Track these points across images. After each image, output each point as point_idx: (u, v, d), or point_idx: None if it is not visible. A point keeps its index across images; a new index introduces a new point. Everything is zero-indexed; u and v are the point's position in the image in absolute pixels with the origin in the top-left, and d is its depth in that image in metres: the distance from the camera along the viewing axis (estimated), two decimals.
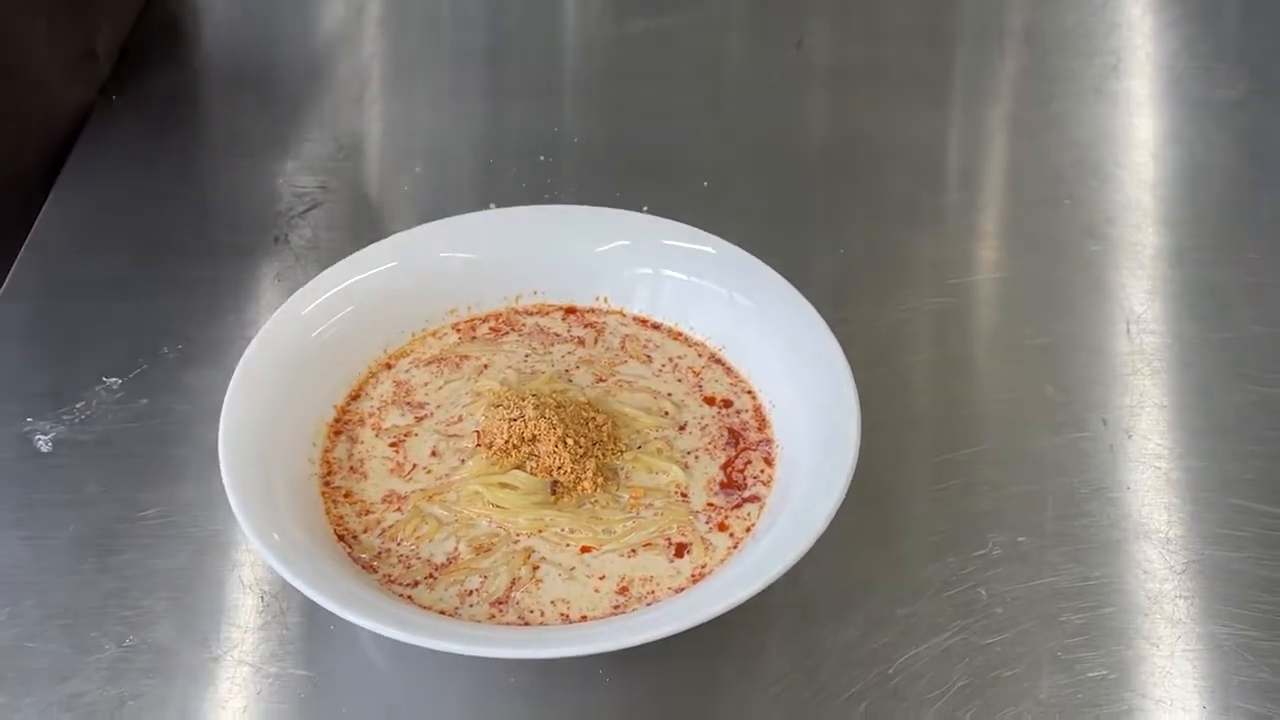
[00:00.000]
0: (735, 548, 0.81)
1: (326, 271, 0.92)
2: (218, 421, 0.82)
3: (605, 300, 0.94)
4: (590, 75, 1.28)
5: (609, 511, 0.83)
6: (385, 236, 0.94)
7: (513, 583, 0.80)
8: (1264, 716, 0.79)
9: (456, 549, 0.81)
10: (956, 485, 0.89)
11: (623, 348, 0.93)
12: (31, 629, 0.82)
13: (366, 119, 1.20)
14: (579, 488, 0.83)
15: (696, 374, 0.91)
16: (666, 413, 0.88)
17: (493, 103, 1.22)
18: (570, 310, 0.95)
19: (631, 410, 0.88)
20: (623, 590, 0.80)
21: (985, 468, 0.90)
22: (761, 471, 0.85)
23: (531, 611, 0.79)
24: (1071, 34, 1.27)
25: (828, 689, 0.80)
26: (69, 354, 0.97)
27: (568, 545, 0.81)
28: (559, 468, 0.83)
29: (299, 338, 0.88)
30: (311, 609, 0.81)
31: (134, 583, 0.84)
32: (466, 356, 0.92)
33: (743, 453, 0.86)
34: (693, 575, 0.80)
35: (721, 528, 0.83)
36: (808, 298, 0.89)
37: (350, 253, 0.93)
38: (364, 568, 0.81)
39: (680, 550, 0.82)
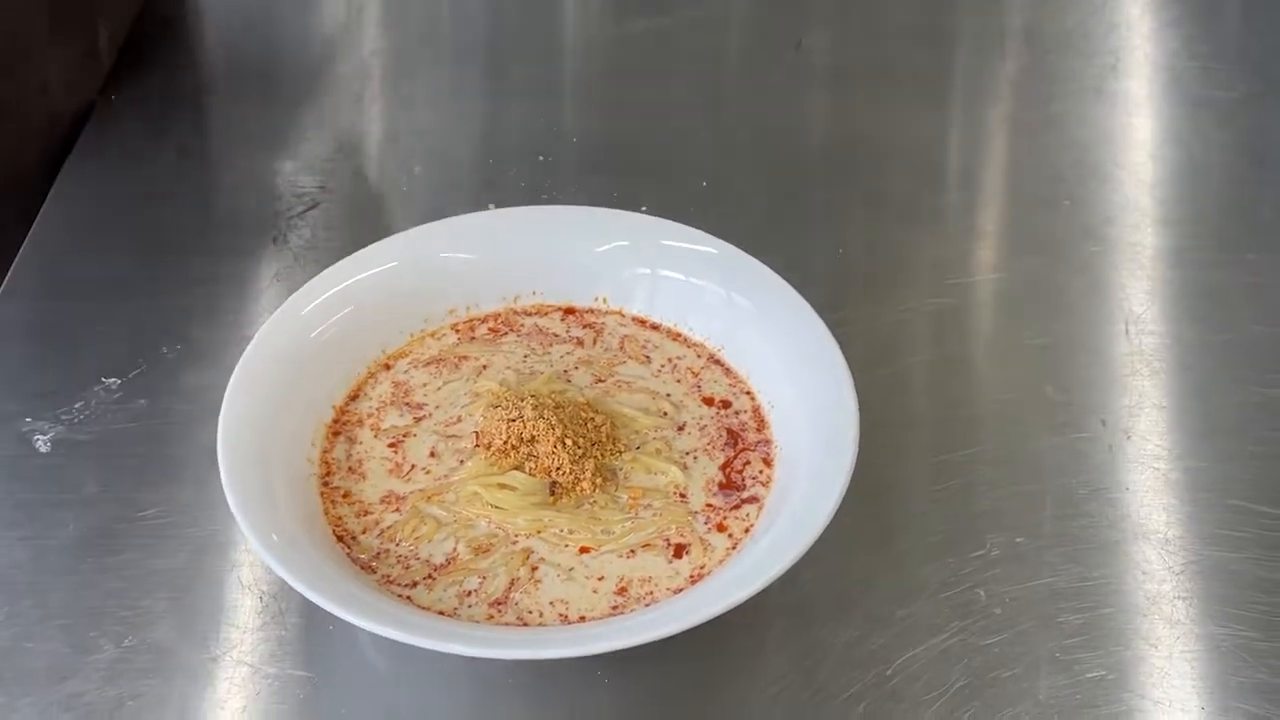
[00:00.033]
0: (734, 548, 0.81)
1: (325, 272, 0.92)
2: (217, 422, 0.82)
3: (604, 301, 0.94)
4: (590, 75, 1.28)
5: (608, 512, 0.83)
6: (384, 237, 0.94)
7: (511, 583, 0.80)
8: (1262, 717, 0.79)
9: (455, 550, 0.81)
10: (955, 486, 0.89)
11: (621, 348, 0.93)
12: (30, 629, 0.82)
13: (366, 119, 1.20)
14: (578, 488, 0.83)
15: (695, 374, 0.91)
16: (665, 413, 0.88)
17: (492, 103, 1.22)
18: (569, 311, 0.95)
19: (630, 411, 0.88)
20: (621, 591, 0.80)
21: (984, 468, 0.90)
22: (760, 472, 0.85)
23: (530, 612, 0.79)
24: (1071, 34, 1.27)
25: (826, 689, 0.80)
26: (68, 354, 0.97)
27: (566, 546, 0.81)
28: (558, 468, 0.83)
29: (298, 338, 0.88)
30: (310, 609, 0.81)
31: (133, 583, 0.84)
32: (465, 357, 0.92)
33: (741, 453, 0.86)
34: (691, 576, 0.80)
35: (720, 528, 0.83)
36: (807, 298, 0.89)
37: (349, 253, 0.93)
38: (363, 568, 0.81)
39: (679, 551, 0.82)
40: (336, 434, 0.87)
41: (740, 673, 0.81)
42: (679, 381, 0.90)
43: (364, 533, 0.82)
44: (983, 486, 0.89)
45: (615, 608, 0.79)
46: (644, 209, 0.99)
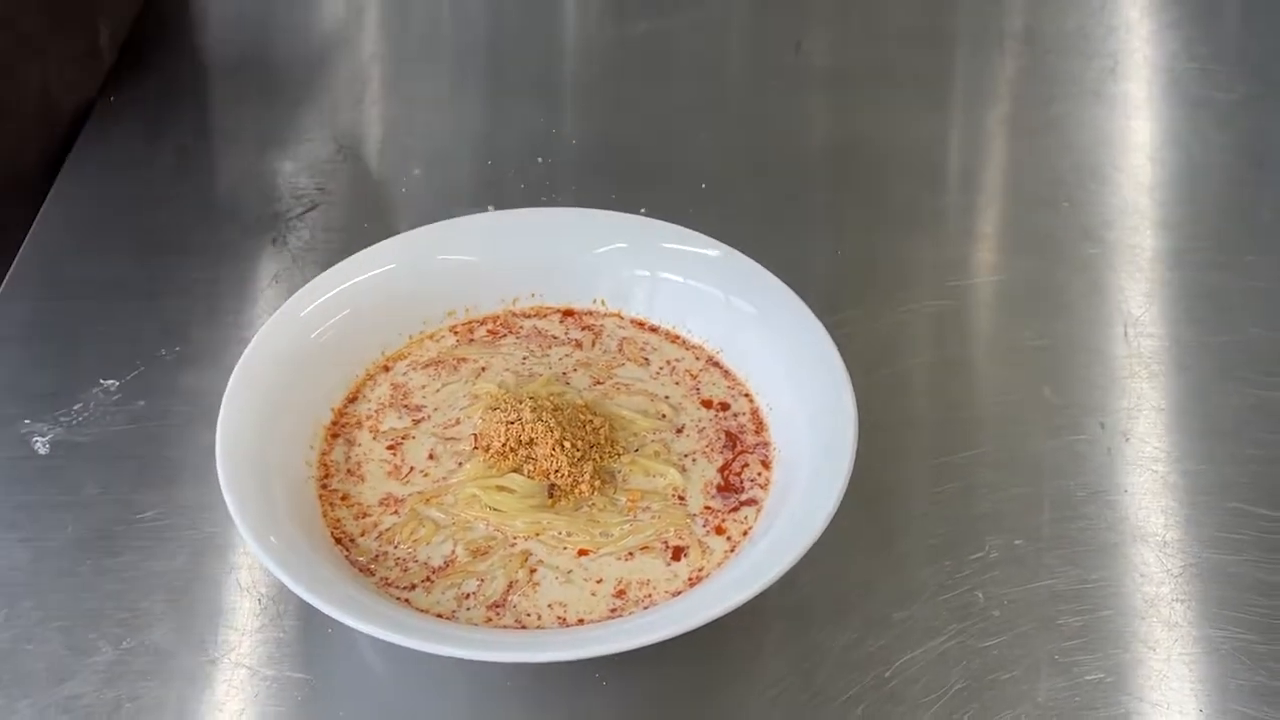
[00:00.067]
0: (732, 551, 0.81)
1: (324, 273, 0.92)
2: (215, 423, 0.82)
3: (603, 303, 0.94)
4: (589, 77, 1.28)
5: (606, 514, 0.83)
6: (383, 239, 0.94)
7: (510, 586, 0.80)
8: None
9: (454, 552, 0.81)
10: (954, 488, 0.89)
11: (620, 350, 0.93)
12: (29, 631, 0.82)
13: (366, 119, 1.20)
14: (576, 491, 0.83)
15: (694, 377, 0.91)
16: (664, 416, 0.88)
17: (492, 104, 1.22)
18: (568, 313, 0.95)
19: (629, 413, 0.88)
20: (620, 593, 0.80)
21: (983, 470, 0.90)
22: (759, 475, 0.85)
23: (528, 615, 0.79)
24: (1070, 36, 1.27)
25: (825, 692, 0.80)
26: (67, 355, 0.97)
27: (565, 548, 0.81)
28: (556, 471, 0.83)
29: (297, 340, 0.88)
30: (308, 612, 0.81)
31: (131, 585, 0.84)
32: (464, 359, 0.92)
33: (740, 456, 0.86)
34: (690, 578, 0.80)
35: (719, 531, 0.83)
36: (806, 300, 0.89)
37: (348, 254, 0.93)
38: (361, 570, 0.81)
39: (677, 553, 0.82)
40: (335, 436, 0.87)
41: (739, 675, 0.81)
42: (678, 384, 0.90)
43: (362, 535, 0.82)
44: (982, 489, 0.89)
45: (614, 610, 0.79)
46: (643, 211, 0.99)
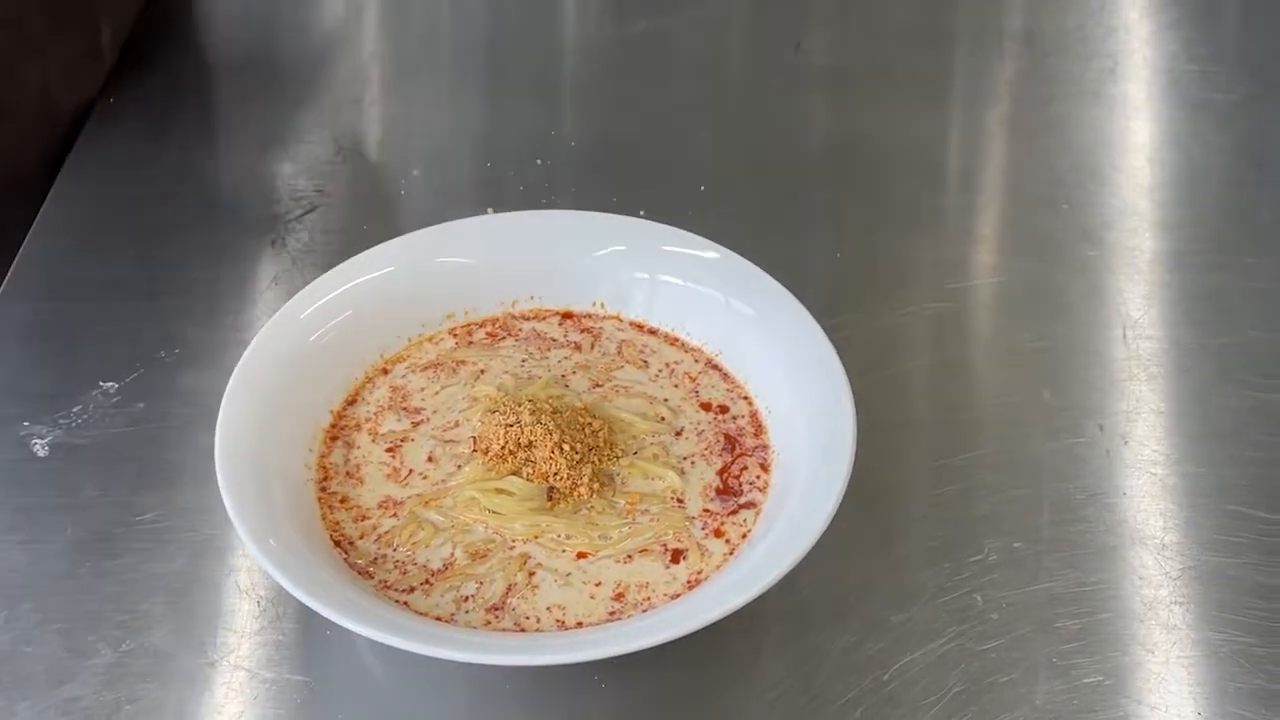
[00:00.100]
0: (731, 554, 0.81)
1: (324, 276, 0.92)
2: (214, 426, 0.82)
3: (602, 305, 0.94)
4: (589, 76, 1.27)
5: (605, 517, 0.83)
6: (382, 241, 0.94)
7: (509, 589, 0.80)
8: None
9: (452, 555, 0.81)
10: (953, 490, 0.90)
11: (619, 353, 0.93)
12: (28, 633, 0.82)
13: (366, 120, 1.20)
14: (575, 493, 0.84)
15: (693, 379, 0.91)
16: (663, 418, 0.88)
17: (491, 105, 1.22)
18: (567, 315, 0.95)
19: (628, 416, 0.88)
20: (618, 596, 0.80)
21: (982, 472, 0.90)
22: (758, 477, 0.85)
23: (527, 618, 0.79)
24: (1070, 37, 1.27)
25: (823, 695, 0.80)
26: (67, 357, 0.97)
27: (564, 551, 0.82)
28: (555, 473, 0.83)
29: (296, 342, 0.88)
30: (307, 614, 0.81)
31: (131, 587, 0.84)
32: (463, 362, 0.92)
33: (739, 458, 0.86)
34: (688, 581, 0.80)
35: (717, 534, 0.83)
36: (805, 302, 0.89)
37: (348, 256, 0.93)
38: (360, 573, 0.81)
39: (676, 556, 0.82)
40: (334, 438, 0.87)
41: (737, 678, 0.81)
42: (677, 386, 0.90)
43: (361, 538, 0.82)
44: (981, 491, 0.89)
45: (612, 613, 0.79)
46: (642, 213, 0.99)
